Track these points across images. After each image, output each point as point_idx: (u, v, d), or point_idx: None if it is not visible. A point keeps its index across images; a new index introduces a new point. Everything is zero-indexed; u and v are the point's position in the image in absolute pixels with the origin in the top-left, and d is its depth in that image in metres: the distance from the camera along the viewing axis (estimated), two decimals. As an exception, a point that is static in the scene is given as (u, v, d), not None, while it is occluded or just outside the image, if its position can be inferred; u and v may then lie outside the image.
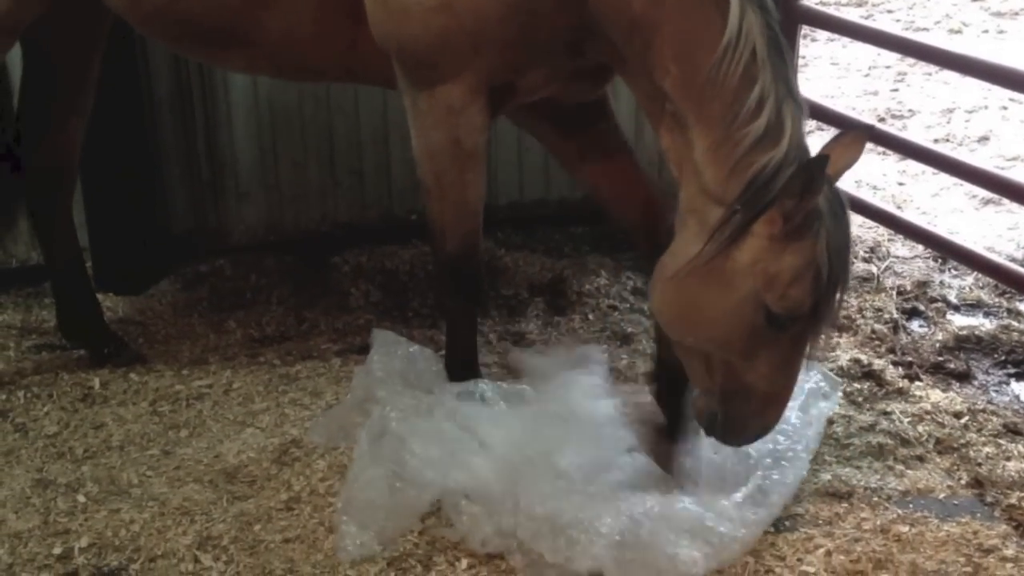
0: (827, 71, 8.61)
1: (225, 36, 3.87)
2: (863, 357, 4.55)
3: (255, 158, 5.36)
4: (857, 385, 4.38)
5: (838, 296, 3.33)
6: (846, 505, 3.67)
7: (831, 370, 4.44)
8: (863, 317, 4.91)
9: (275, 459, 3.86)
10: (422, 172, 3.75)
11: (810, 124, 6.97)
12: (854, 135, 3.47)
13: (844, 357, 4.55)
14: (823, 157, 3.13)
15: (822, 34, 8.75)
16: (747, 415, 3.44)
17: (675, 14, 3.26)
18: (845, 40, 8.67)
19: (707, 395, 3.47)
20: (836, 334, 4.77)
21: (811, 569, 3.36)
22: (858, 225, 5.79)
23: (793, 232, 3.17)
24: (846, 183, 5.97)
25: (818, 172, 3.09)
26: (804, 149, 3.25)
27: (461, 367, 3.98)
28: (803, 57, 6.36)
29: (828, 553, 3.42)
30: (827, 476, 3.80)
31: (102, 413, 4.17)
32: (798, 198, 3.10)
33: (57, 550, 3.45)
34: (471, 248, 3.83)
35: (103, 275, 5.08)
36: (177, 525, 3.54)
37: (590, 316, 4.94)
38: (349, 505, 3.53)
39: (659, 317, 3.53)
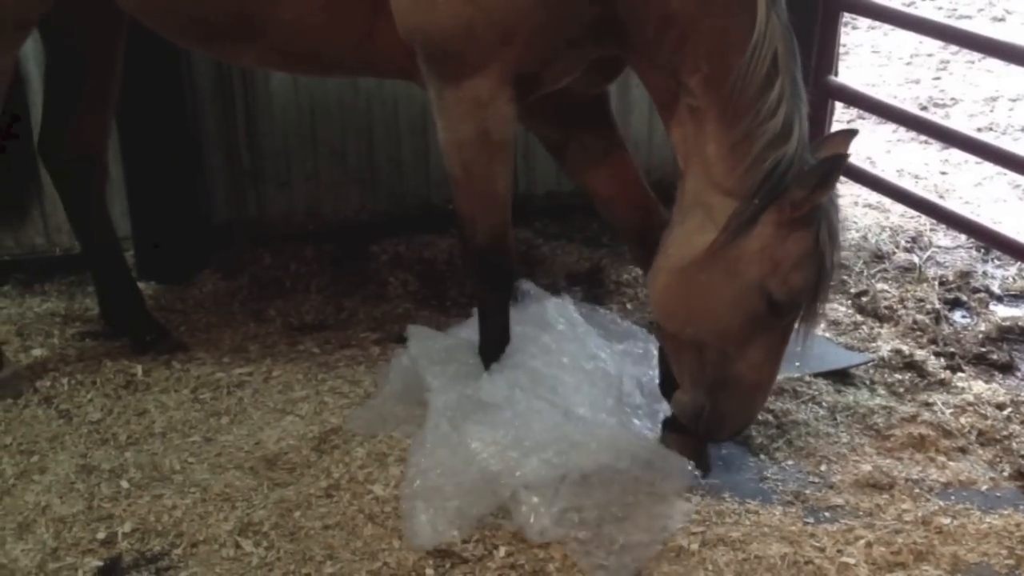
0: (869, 59, 8.53)
1: (236, 28, 3.84)
2: (904, 348, 4.51)
3: (295, 147, 5.39)
4: (899, 376, 4.35)
5: (826, 289, 3.51)
6: (887, 496, 3.66)
7: (872, 361, 4.43)
8: (904, 308, 4.87)
9: (314, 447, 3.89)
10: (450, 164, 3.74)
11: (851, 112, 7.00)
12: (842, 136, 3.69)
13: (885, 348, 4.51)
14: (842, 156, 3.38)
15: (863, 21, 8.67)
16: (733, 407, 3.58)
17: (712, 12, 3.35)
18: (887, 28, 8.59)
19: (695, 389, 3.58)
20: (878, 324, 4.75)
21: (851, 560, 3.34)
22: (899, 215, 5.77)
23: (797, 221, 3.35)
24: (888, 172, 5.98)
25: (836, 169, 3.32)
26: (807, 144, 3.42)
27: (496, 352, 3.95)
28: (844, 45, 6.31)
29: (869, 544, 3.40)
30: (868, 467, 3.78)
31: (145, 400, 4.21)
32: (811, 191, 3.29)
33: (101, 535, 3.49)
34: (501, 239, 3.82)
35: (145, 264, 5.13)
36: (218, 511, 3.58)
37: (628, 306, 4.93)
38: (421, 491, 3.53)
39: (660, 310, 3.62)
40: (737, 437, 3.82)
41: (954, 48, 7.95)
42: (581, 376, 3.87)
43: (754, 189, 3.34)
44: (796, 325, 3.55)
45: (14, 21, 3.95)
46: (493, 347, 3.95)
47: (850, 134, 3.72)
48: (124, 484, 3.72)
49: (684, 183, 3.51)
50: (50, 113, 4.42)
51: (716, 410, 3.56)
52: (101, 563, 3.39)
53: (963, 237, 5.46)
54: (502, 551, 3.38)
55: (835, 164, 3.33)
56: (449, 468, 3.56)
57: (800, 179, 3.30)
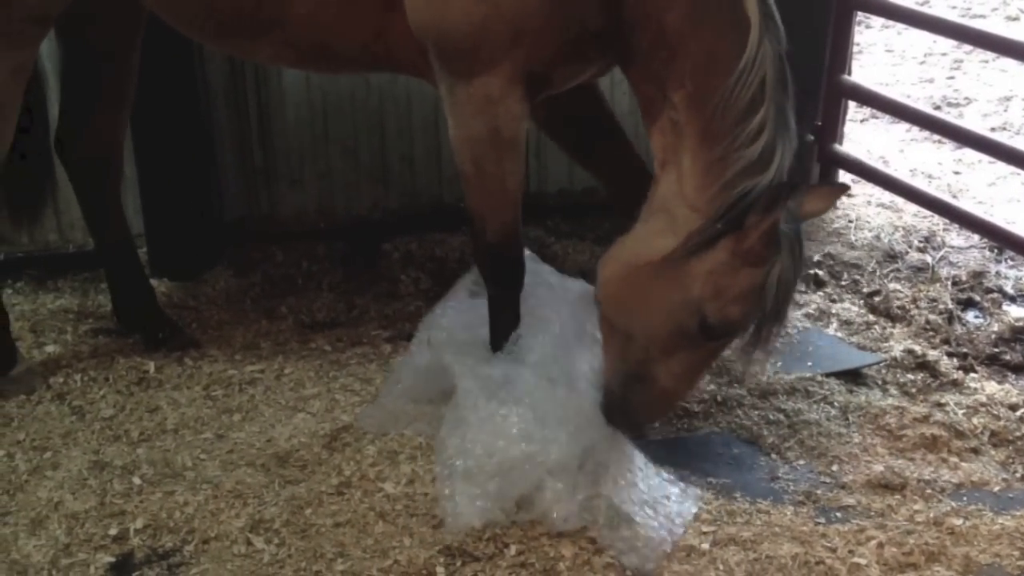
0: (882, 58, 8.50)
1: (251, 23, 3.85)
2: (917, 348, 4.50)
3: (307, 145, 5.40)
4: (911, 376, 4.34)
5: (773, 327, 3.49)
6: (899, 497, 3.65)
7: (884, 361, 4.41)
8: (917, 307, 4.86)
9: (326, 444, 3.89)
10: (461, 161, 3.77)
11: (864, 112, 6.98)
12: (831, 189, 3.77)
13: (898, 348, 4.50)
14: (791, 184, 3.33)
15: (877, 20, 8.63)
16: (640, 403, 3.63)
17: (702, 33, 3.38)
18: (901, 27, 8.56)
19: (612, 374, 3.65)
20: (890, 324, 4.73)
21: (863, 561, 3.33)
22: (912, 214, 5.75)
23: (751, 255, 3.35)
24: (901, 172, 5.96)
25: (783, 195, 3.27)
26: (786, 178, 3.36)
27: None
28: (858, 44, 6.29)
29: (880, 545, 3.40)
30: (880, 468, 3.78)
31: (157, 397, 4.22)
32: (761, 215, 3.27)
33: (113, 531, 3.50)
34: (511, 236, 3.84)
35: (157, 261, 5.14)
36: (230, 508, 3.58)
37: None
38: (461, 471, 3.55)
39: (602, 293, 3.67)
40: (633, 433, 3.78)
41: (968, 47, 7.91)
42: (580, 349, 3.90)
43: (719, 213, 3.34)
44: (737, 347, 3.60)
45: (35, 16, 3.96)
46: (502, 341, 3.95)
47: (838, 189, 3.78)
48: (136, 480, 3.73)
49: (656, 186, 3.56)
50: (67, 111, 4.44)
51: (624, 398, 3.63)
52: (113, 559, 3.40)
53: (976, 237, 5.44)
54: (513, 549, 3.38)
55: (784, 189, 3.29)
56: (489, 448, 3.56)
57: (754, 205, 3.29)
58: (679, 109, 3.43)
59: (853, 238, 5.55)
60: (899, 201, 5.81)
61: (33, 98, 4.26)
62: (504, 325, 3.95)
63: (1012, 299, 5.01)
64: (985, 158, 6.19)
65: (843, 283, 5.12)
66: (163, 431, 4.01)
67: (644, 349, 3.56)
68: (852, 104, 6.29)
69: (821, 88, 5.62)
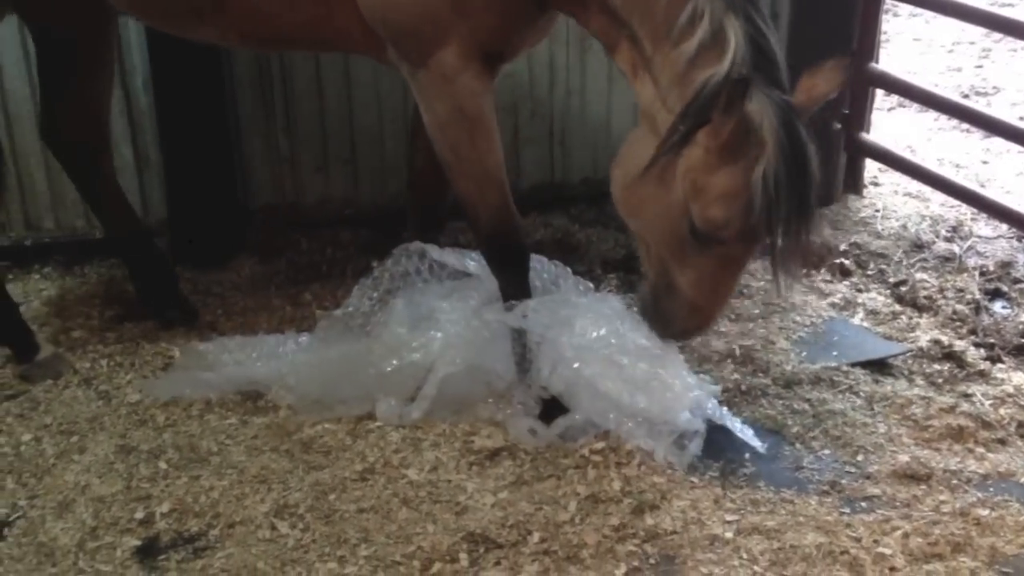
0: (910, 47, 8.43)
1: (195, 7, 3.90)
2: (944, 338, 4.47)
3: (332, 132, 5.40)
4: (937, 366, 4.32)
5: (786, 236, 3.30)
6: (924, 487, 3.63)
7: (910, 351, 4.39)
8: (944, 298, 4.82)
9: (349, 431, 3.91)
10: (439, 149, 3.81)
11: (892, 100, 6.93)
12: (834, 65, 3.45)
13: (924, 338, 4.47)
14: (744, 80, 3.16)
15: (904, 8, 8.57)
16: (672, 314, 3.60)
17: None
18: (928, 15, 8.49)
19: (646, 283, 3.68)
20: (917, 314, 4.70)
21: (887, 551, 3.32)
22: (940, 204, 5.70)
23: (726, 151, 3.23)
24: (929, 161, 5.91)
25: (736, 93, 3.14)
26: (756, 65, 3.24)
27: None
28: (885, 33, 6.24)
29: (905, 535, 3.38)
30: (905, 458, 3.76)
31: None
32: (722, 111, 3.17)
33: (139, 514, 3.52)
34: (505, 219, 3.84)
35: (183, 248, 5.16)
36: (255, 493, 3.60)
37: (664, 293, 4.90)
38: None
39: (615, 199, 3.69)
40: (683, 341, 3.90)
41: (997, 36, 7.84)
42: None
43: (682, 109, 3.29)
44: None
45: None
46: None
47: (841, 63, 3.53)
48: (162, 465, 3.76)
49: (639, 93, 3.57)
50: (44, 96, 4.43)
51: (658, 309, 3.64)
52: (139, 542, 3.43)
53: (1004, 227, 5.39)
54: (536, 536, 3.39)
55: (736, 87, 3.14)
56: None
57: (718, 102, 3.17)
58: (628, 23, 3.47)
59: (880, 227, 5.51)
60: (926, 190, 5.77)
61: None
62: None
63: (1040, 289, 4.97)
64: (1013, 147, 6.14)
65: (869, 273, 5.09)
66: (188, 416, 4.03)
67: (659, 255, 3.57)
68: (880, 93, 6.25)
69: (849, 76, 5.57)
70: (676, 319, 3.61)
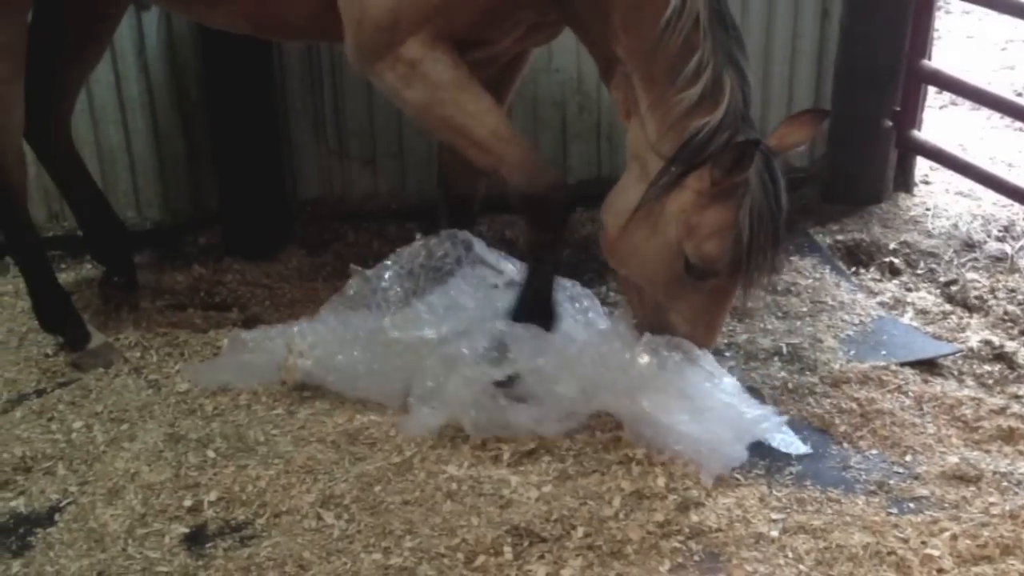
0: (962, 45, 8.34)
1: None
2: (995, 339, 4.42)
3: (381, 126, 5.43)
4: (988, 367, 4.27)
5: (761, 262, 3.57)
6: (974, 489, 3.58)
7: (960, 352, 4.34)
8: (995, 298, 4.76)
9: (395, 422, 3.92)
10: (437, 133, 3.88)
11: (944, 98, 6.85)
12: (810, 116, 3.74)
13: (975, 338, 4.42)
14: (753, 142, 3.42)
15: (957, 6, 8.48)
16: None
17: None
18: (981, 12, 8.38)
19: (638, 326, 3.80)
20: (967, 314, 4.65)
21: (935, 552, 3.28)
22: (992, 203, 5.64)
23: (718, 194, 3.48)
24: (980, 159, 5.84)
25: (749, 153, 3.39)
26: (742, 116, 3.49)
27: (534, 306, 3.96)
28: (937, 30, 6.17)
29: (954, 537, 3.34)
30: (955, 459, 3.71)
31: (230, 372, 4.28)
32: (727, 171, 3.41)
33: (187, 502, 3.56)
34: (536, 172, 3.78)
35: (232, 240, 5.22)
36: (301, 483, 3.63)
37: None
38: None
39: (604, 247, 3.84)
40: None
41: (1051, 34, 7.74)
42: None
43: (674, 155, 3.49)
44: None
45: None
46: (531, 305, 3.95)
47: (818, 115, 3.79)
48: (210, 454, 3.79)
49: (628, 135, 3.70)
50: (31, 104, 4.26)
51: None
52: (187, 530, 3.46)
53: (1057, 227, 5.33)
54: (580, 531, 3.38)
55: (745, 149, 3.39)
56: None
57: (717, 159, 3.41)
58: (624, 61, 3.57)
59: (930, 226, 5.46)
60: (978, 189, 5.70)
61: None
62: (540, 278, 3.94)
63: (1093, 290, 4.90)
64: (1067, 146, 6.06)
65: (919, 272, 5.04)
66: (236, 406, 4.06)
67: (651, 298, 3.72)
68: (932, 90, 6.18)
69: (901, 73, 5.53)
70: None
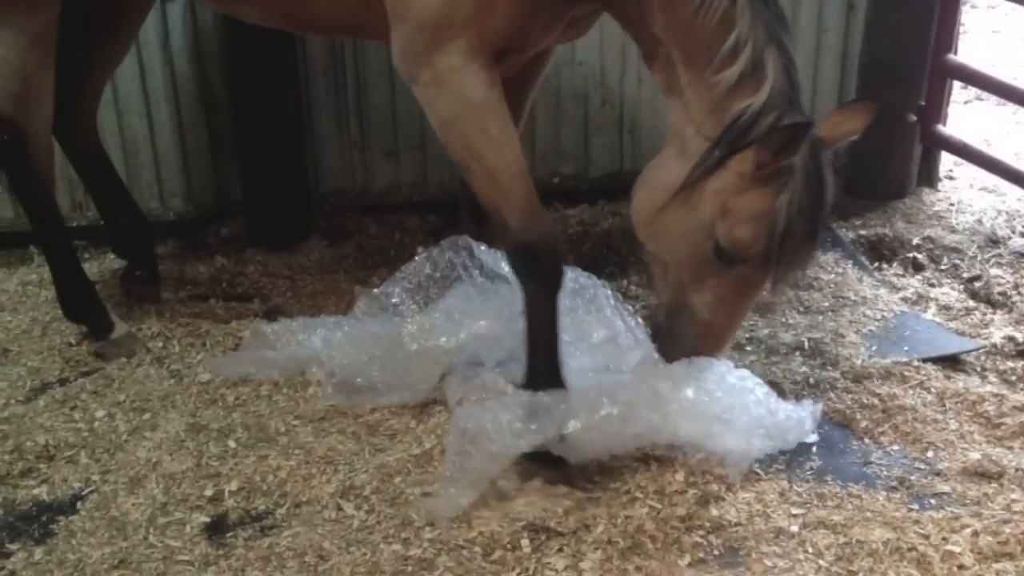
0: (988, 39, 8.28)
1: None
2: (1018, 335, 4.39)
3: (403, 118, 5.43)
4: (1011, 364, 4.24)
5: (793, 256, 3.42)
6: (995, 485, 3.56)
7: (983, 348, 4.31)
8: (1019, 294, 4.73)
9: (415, 414, 3.93)
10: (453, 151, 3.65)
11: (969, 93, 6.80)
12: (862, 107, 3.60)
13: (998, 335, 4.39)
14: (806, 124, 3.29)
15: (983, 0, 8.41)
16: (684, 337, 3.64)
17: None
18: (1007, 7, 8.31)
19: (659, 306, 3.75)
20: (991, 310, 4.62)
21: (957, 549, 3.26)
22: (1016, 198, 5.61)
23: (760, 178, 3.35)
24: (1005, 154, 5.80)
25: (799, 136, 3.25)
26: (788, 98, 3.36)
27: (542, 369, 3.70)
28: (962, 25, 6.12)
29: (975, 533, 3.32)
30: (976, 455, 3.69)
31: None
32: (774, 154, 3.28)
33: (208, 492, 3.57)
34: (534, 215, 3.64)
35: (254, 231, 5.23)
36: (321, 473, 3.64)
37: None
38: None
39: (634, 218, 3.71)
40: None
41: (1079, 28, 7.67)
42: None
43: (717, 138, 3.38)
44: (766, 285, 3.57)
45: None
46: (539, 362, 3.70)
47: (870, 108, 3.62)
48: (231, 444, 3.80)
49: (668, 113, 3.62)
50: (59, 99, 4.28)
51: (669, 329, 3.69)
52: (208, 519, 3.47)
53: (1084, 223, 5.29)
54: (600, 527, 3.38)
55: (796, 131, 3.26)
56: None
57: (765, 139, 3.30)
58: (662, 41, 3.50)
59: (954, 221, 5.43)
60: (1002, 184, 5.66)
61: None
62: (541, 340, 3.70)
63: (1119, 288, 4.86)
64: (1094, 142, 6.01)
65: (943, 267, 5.01)
66: (257, 396, 4.08)
67: (676, 277, 3.61)
68: (957, 85, 6.14)
69: (926, 67, 5.50)
70: (688, 341, 3.65)
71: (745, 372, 3.78)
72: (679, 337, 3.66)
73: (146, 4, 4.58)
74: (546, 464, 3.59)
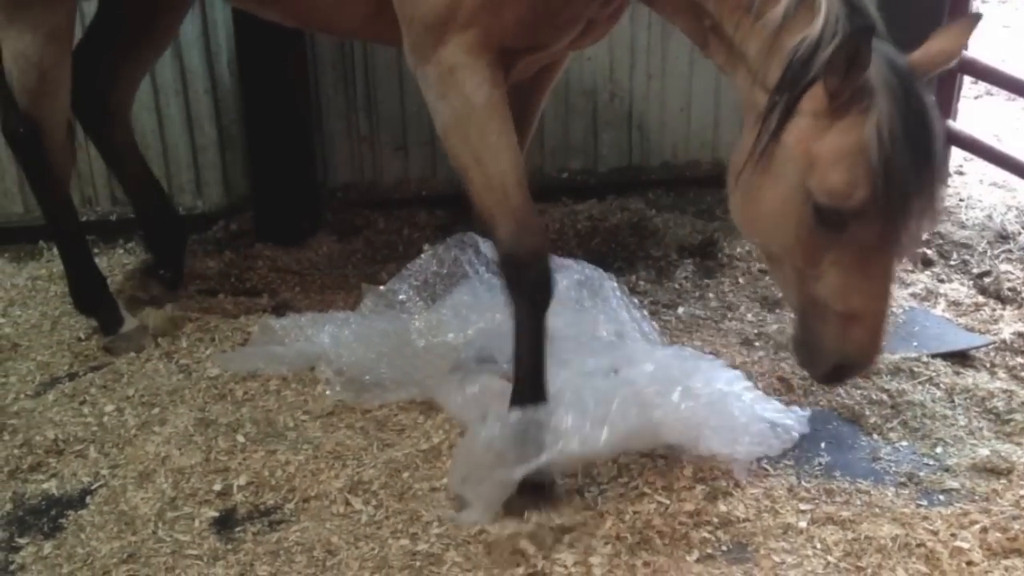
0: (999, 34, 8.25)
1: None
2: (1028, 331, 4.39)
3: (412, 113, 5.44)
4: (1020, 360, 4.23)
5: (907, 195, 2.94)
6: (1004, 482, 3.55)
7: (993, 344, 4.30)
8: (1030, 289, 4.72)
9: (423, 410, 3.93)
10: (452, 150, 3.50)
11: (979, 88, 6.78)
12: (963, 23, 3.21)
13: (1007, 330, 4.38)
14: (868, 28, 2.90)
15: (994, -6, 8.39)
16: (824, 339, 3.16)
17: None
18: (1019, 2, 8.30)
19: (794, 317, 3.31)
20: (1000, 306, 4.61)
21: (965, 545, 3.25)
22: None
23: (839, 109, 2.95)
24: (1015, 149, 5.78)
25: (864, 44, 2.85)
26: (846, 22, 2.98)
27: (528, 387, 3.50)
28: (973, 18, 6.10)
29: (984, 530, 3.31)
30: (985, 452, 3.68)
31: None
32: (843, 74, 2.89)
33: (217, 486, 3.58)
34: (527, 229, 3.44)
35: (263, 226, 5.24)
36: (330, 468, 3.64)
37: (740, 279, 4.87)
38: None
39: (734, 217, 3.35)
40: (845, 380, 3.47)
41: (1091, 23, 7.64)
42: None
43: (777, 82, 3.03)
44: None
45: None
46: (524, 379, 3.51)
47: (974, 19, 3.27)
48: (240, 439, 3.81)
49: (735, 90, 3.35)
50: (83, 91, 4.32)
51: (807, 341, 3.24)
52: (217, 514, 3.48)
53: (1094, 217, 5.27)
54: (608, 522, 3.38)
55: (860, 38, 2.85)
56: None
57: (829, 64, 2.91)
58: (709, 13, 3.24)
59: (964, 217, 5.41)
60: (1013, 180, 5.65)
61: None
62: (528, 357, 3.51)
63: None
64: (1105, 136, 5.98)
65: (952, 263, 5.00)
66: (266, 392, 4.09)
67: (792, 270, 3.18)
68: (967, 80, 6.11)
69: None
70: (831, 346, 3.16)
71: (736, 374, 3.77)
72: (818, 344, 3.20)
73: (179, 2, 4.55)
74: (534, 494, 3.43)
